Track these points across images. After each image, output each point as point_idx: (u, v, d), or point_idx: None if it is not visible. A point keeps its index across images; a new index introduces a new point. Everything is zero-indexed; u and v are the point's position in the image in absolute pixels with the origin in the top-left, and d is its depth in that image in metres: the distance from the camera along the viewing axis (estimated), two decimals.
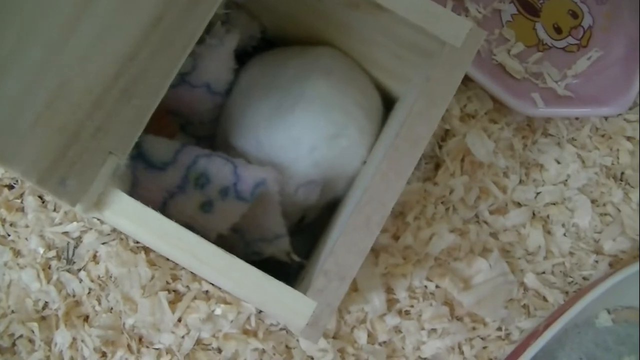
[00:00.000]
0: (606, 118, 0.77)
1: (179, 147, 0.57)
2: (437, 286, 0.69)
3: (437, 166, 0.73)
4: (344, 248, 0.48)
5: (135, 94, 0.47)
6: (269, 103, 0.59)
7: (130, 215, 0.46)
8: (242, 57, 0.67)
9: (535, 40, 0.77)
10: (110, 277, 0.67)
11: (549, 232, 0.73)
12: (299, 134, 0.58)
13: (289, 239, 0.57)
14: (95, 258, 0.68)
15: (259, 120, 0.59)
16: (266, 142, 0.59)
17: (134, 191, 0.53)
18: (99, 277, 0.67)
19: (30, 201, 0.67)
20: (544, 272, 0.72)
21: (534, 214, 0.74)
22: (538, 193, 0.75)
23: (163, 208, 0.54)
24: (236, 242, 0.59)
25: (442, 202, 0.72)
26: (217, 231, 0.55)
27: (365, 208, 0.50)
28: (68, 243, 0.68)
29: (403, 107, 0.58)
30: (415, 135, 0.51)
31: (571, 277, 0.72)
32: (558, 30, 0.78)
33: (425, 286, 0.69)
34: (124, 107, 0.47)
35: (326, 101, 0.59)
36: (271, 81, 0.61)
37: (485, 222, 0.73)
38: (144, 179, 0.54)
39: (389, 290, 0.69)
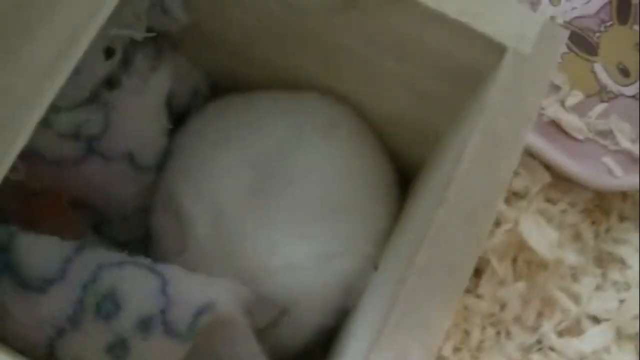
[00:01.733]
0: None
1: (69, 252, 0.38)
2: None
3: (479, 271, 0.57)
4: None
5: None
6: (243, 177, 0.45)
7: None
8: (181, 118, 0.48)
9: (596, 87, 0.61)
10: None
11: None
12: (277, 241, 0.44)
13: None
14: None
15: (224, 200, 0.44)
16: (231, 229, 0.44)
17: (1, 328, 0.37)
18: None
19: None
20: None
21: (619, 331, 0.58)
22: (622, 301, 0.59)
23: (48, 356, 0.38)
24: None
25: (491, 324, 0.56)
26: None
27: None
28: None
29: (432, 182, 0.38)
30: (465, 225, 0.32)
31: None
32: (624, 72, 0.62)
33: None
34: None
35: (327, 191, 0.45)
36: (247, 141, 0.46)
37: (553, 349, 0.56)
38: (14, 307, 0.37)
39: None
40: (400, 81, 0.41)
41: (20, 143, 0.27)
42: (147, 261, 0.38)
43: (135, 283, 0.37)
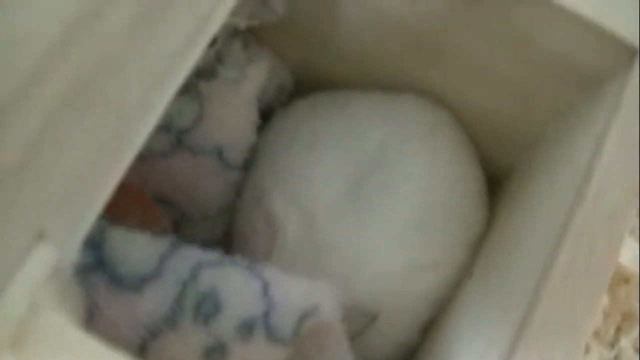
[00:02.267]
0: None
1: (166, 249, 0.36)
2: None
3: None
4: None
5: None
6: (339, 180, 0.42)
7: None
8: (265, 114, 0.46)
9: None
10: None
11: None
12: (373, 248, 0.41)
13: None
14: None
15: (318, 203, 0.42)
16: (324, 233, 0.41)
17: (90, 327, 0.34)
18: None
19: None
20: None
21: None
22: None
23: (140, 356, 0.35)
24: None
25: None
26: None
27: None
28: None
29: (553, 183, 0.36)
30: (606, 224, 0.30)
31: None
32: None
33: None
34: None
35: (426, 198, 0.42)
36: (343, 144, 0.43)
37: None
38: (106, 305, 0.35)
39: None
40: (508, 82, 0.39)
41: (153, 121, 0.26)
42: (246, 261, 0.36)
43: (236, 283, 0.35)
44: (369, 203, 0.41)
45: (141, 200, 0.41)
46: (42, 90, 0.20)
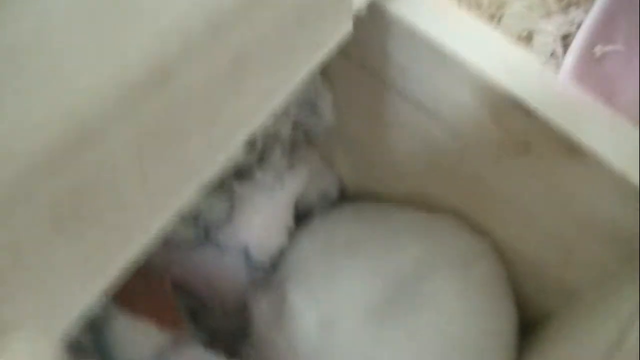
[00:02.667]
0: None
1: (165, 344, 0.35)
2: None
3: None
4: None
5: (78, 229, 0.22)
6: (368, 293, 0.40)
7: None
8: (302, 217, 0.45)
9: None
10: None
11: None
12: None
13: None
14: None
15: (341, 309, 0.40)
16: (340, 341, 0.39)
17: None
18: None
19: None
20: None
21: None
22: None
23: None
24: None
25: None
26: None
27: None
28: None
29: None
30: None
31: None
32: None
33: None
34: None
35: (452, 329, 0.40)
36: (377, 256, 0.41)
37: None
38: None
39: None
40: (550, 232, 0.37)
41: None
42: None
43: None
44: (392, 321, 0.39)
45: (160, 285, 0.40)
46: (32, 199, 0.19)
